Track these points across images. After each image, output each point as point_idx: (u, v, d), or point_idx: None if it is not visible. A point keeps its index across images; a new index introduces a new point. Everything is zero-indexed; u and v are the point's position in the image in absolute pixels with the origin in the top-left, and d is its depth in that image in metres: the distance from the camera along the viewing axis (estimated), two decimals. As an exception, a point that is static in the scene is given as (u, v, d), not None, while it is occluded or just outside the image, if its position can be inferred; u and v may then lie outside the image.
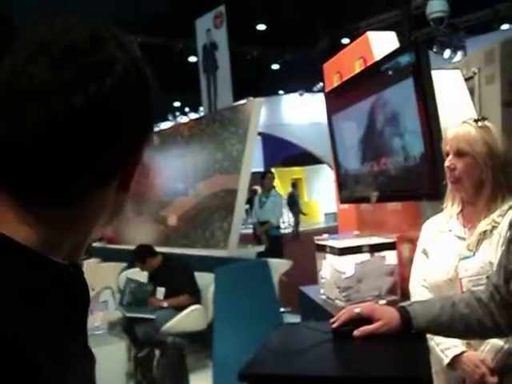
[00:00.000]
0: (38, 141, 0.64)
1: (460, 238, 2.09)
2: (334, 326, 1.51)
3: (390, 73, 2.78)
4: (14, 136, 0.64)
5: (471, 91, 2.94)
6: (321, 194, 14.20)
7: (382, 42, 3.27)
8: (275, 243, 7.89)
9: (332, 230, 5.20)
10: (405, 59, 2.63)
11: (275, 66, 16.42)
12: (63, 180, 0.67)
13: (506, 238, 1.44)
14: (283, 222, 8.93)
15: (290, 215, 11.62)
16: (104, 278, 5.99)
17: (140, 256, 5.22)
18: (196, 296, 5.11)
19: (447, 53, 10.28)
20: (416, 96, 2.56)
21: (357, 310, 1.52)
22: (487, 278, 1.74)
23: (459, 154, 2.02)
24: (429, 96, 2.49)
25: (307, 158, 14.18)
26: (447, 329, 1.56)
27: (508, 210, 1.95)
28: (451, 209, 2.16)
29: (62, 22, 0.69)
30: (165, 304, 5.06)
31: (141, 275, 5.47)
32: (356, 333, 1.47)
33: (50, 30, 0.67)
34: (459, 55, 10.21)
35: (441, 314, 1.53)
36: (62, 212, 0.68)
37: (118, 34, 0.71)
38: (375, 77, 2.98)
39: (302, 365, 1.37)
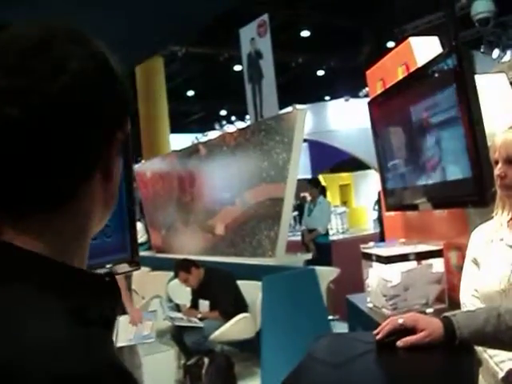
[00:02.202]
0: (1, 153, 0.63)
1: (511, 246, 2.05)
2: (378, 337, 1.51)
3: (433, 79, 2.75)
4: None
5: (518, 95, 2.89)
6: (369, 199, 14.04)
7: (424, 47, 3.23)
8: (323, 251, 7.87)
9: (379, 237, 5.16)
10: (447, 64, 2.60)
11: (320, 73, 16.40)
12: (40, 186, 0.65)
13: None
14: (331, 229, 8.86)
15: (339, 221, 11.51)
16: (153, 287, 6.09)
17: (185, 266, 5.26)
18: (240, 308, 5.11)
19: (496, 52, 10.05)
20: (459, 102, 2.53)
21: (400, 321, 1.51)
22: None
23: (509, 161, 1.98)
24: (472, 101, 2.45)
25: (355, 164, 14.06)
26: (492, 340, 1.54)
27: None
28: (501, 217, 2.11)
29: (13, 29, 0.68)
30: (198, 316, 5.10)
31: (182, 292, 5.52)
32: (399, 343, 1.46)
33: (1, 38, 0.67)
34: (508, 55, 9.98)
35: (485, 325, 1.51)
36: (55, 218, 0.68)
37: (73, 31, 0.70)
38: (418, 83, 2.96)
39: (345, 376, 1.38)
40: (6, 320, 0.59)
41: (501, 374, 1.93)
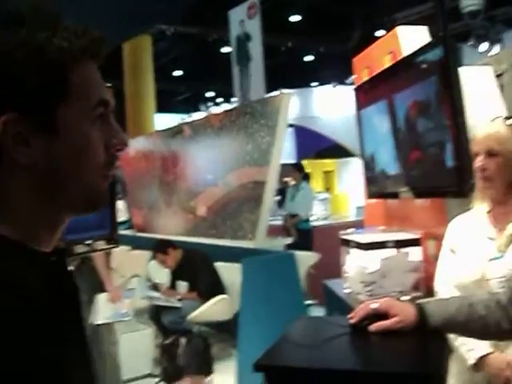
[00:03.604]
0: None
1: (490, 238, 2.07)
2: (352, 321, 1.53)
3: (418, 69, 2.76)
4: None
5: (502, 88, 2.90)
6: (351, 186, 14.11)
7: (411, 37, 3.24)
8: (305, 236, 7.90)
9: (360, 224, 5.19)
10: (432, 55, 2.61)
11: (309, 58, 16.35)
12: None
13: None
14: (312, 215, 8.89)
15: (321, 207, 11.55)
16: (133, 266, 6.09)
17: (162, 248, 5.27)
18: (218, 289, 5.13)
19: (483, 46, 10.09)
20: (443, 93, 2.54)
21: (374, 306, 1.53)
22: (508, 280, 1.74)
23: (490, 154, 2.00)
24: (456, 93, 2.47)
25: (339, 151, 14.09)
26: (463, 328, 1.57)
27: None
28: (480, 208, 2.15)
29: None
30: (177, 296, 5.12)
31: (161, 272, 5.53)
32: (372, 328, 1.49)
33: None
34: (496, 49, 10.02)
35: (457, 314, 1.54)
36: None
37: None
38: (403, 72, 2.97)
39: (317, 358, 1.39)
40: None
41: (471, 362, 1.98)
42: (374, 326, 1.48)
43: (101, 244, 2.05)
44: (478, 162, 2.04)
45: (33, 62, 0.72)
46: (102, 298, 4.24)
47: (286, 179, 11.17)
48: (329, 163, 16.74)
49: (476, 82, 2.83)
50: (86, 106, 0.77)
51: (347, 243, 3.28)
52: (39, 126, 0.73)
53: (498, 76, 2.95)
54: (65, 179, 0.76)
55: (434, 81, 2.60)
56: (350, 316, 1.55)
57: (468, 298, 1.61)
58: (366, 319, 1.51)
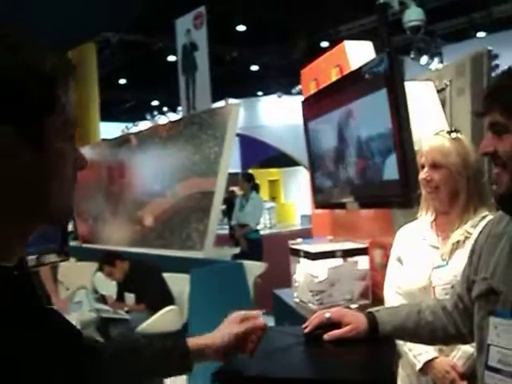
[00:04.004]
0: None
1: (434, 247, 2.15)
2: (306, 330, 1.57)
3: (365, 82, 2.84)
4: None
5: (443, 102, 3.02)
6: (297, 196, 14.26)
7: (358, 51, 3.34)
8: (255, 246, 7.94)
9: (307, 233, 5.26)
10: (378, 69, 2.70)
11: (254, 68, 16.46)
12: None
13: (470, 250, 1.50)
14: (258, 224, 8.94)
15: (267, 216, 11.62)
16: (79, 278, 5.98)
17: (109, 260, 5.19)
18: (166, 300, 5.10)
19: (424, 59, 10.42)
20: (389, 106, 2.63)
21: (327, 315, 1.57)
22: (452, 287, 1.81)
23: (435, 166, 2.09)
24: (401, 106, 2.55)
25: (284, 160, 14.23)
26: (412, 335, 1.63)
27: (480, 221, 2.02)
28: (425, 218, 2.23)
29: None
30: (125, 308, 5.07)
31: (108, 284, 5.46)
32: (326, 337, 1.52)
33: None
34: (436, 62, 10.36)
35: (406, 321, 1.60)
36: None
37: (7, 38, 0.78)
38: (350, 86, 3.05)
39: (273, 367, 1.42)
40: None
41: (418, 366, 2.05)
42: (328, 335, 1.52)
43: (51, 257, 2.02)
44: (424, 173, 2.13)
45: (30, 77, 0.75)
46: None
47: (233, 189, 11.20)
48: (274, 172, 16.87)
49: (419, 96, 2.94)
50: (66, 122, 0.80)
51: (296, 253, 3.33)
52: (28, 138, 0.75)
53: (439, 91, 3.07)
54: (46, 191, 0.78)
55: (381, 94, 2.68)
56: (304, 325, 1.58)
57: (416, 305, 1.67)
58: (320, 328, 1.55)
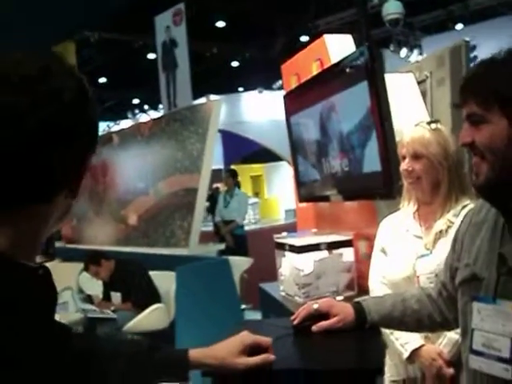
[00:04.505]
0: None
1: (417, 236, 2.17)
2: (295, 322, 1.58)
3: (345, 75, 2.86)
4: None
5: (423, 93, 3.05)
6: (281, 190, 14.28)
7: (338, 44, 3.36)
8: (241, 242, 7.95)
9: (292, 227, 5.28)
10: (359, 62, 2.72)
11: (235, 63, 16.43)
12: (14, 193, 0.76)
13: (452, 238, 1.53)
14: (244, 220, 8.95)
15: (251, 212, 11.61)
16: (64, 279, 5.94)
17: (94, 259, 5.17)
18: (152, 299, 5.09)
19: (404, 52, 10.49)
20: (370, 98, 2.65)
21: (315, 306, 1.59)
22: (436, 275, 1.84)
23: (416, 156, 2.11)
24: (382, 98, 2.58)
25: (267, 156, 14.23)
26: (399, 323, 1.65)
27: (461, 209, 2.04)
28: (408, 208, 2.25)
29: (11, 55, 0.78)
30: (111, 308, 5.06)
31: (94, 284, 5.44)
32: (314, 328, 1.54)
33: (2, 62, 0.77)
34: (415, 54, 10.43)
35: (393, 310, 1.62)
36: (18, 218, 0.77)
37: (65, 62, 0.83)
38: (331, 79, 3.07)
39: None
40: None
41: (405, 355, 2.08)
42: (317, 326, 1.54)
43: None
44: (405, 164, 2.15)
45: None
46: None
47: (216, 185, 11.17)
48: (256, 168, 16.86)
49: (400, 88, 2.97)
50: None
51: (282, 247, 3.35)
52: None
53: (420, 83, 3.10)
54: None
55: (362, 86, 2.70)
56: (293, 317, 1.60)
57: (401, 294, 1.69)
58: (308, 319, 1.57)
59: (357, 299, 1.67)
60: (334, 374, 1.35)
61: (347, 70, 2.84)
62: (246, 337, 1.31)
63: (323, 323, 1.54)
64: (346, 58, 2.85)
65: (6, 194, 0.76)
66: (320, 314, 1.57)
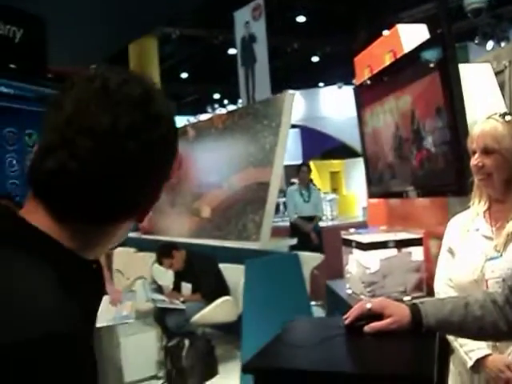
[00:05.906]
0: (86, 170, 0.74)
1: (487, 237, 2.03)
2: (347, 322, 1.51)
3: (417, 67, 2.74)
4: (66, 163, 0.74)
5: (501, 85, 2.87)
6: (359, 187, 14.06)
7: (412, 35, 3.21)
8: (318, 238, 7.92)
9: (366, 225, 5.15)
10: (432, 53, 2.59)
11: (315, 58, 16.31)
12: (97, 209, 0.78)
13: None
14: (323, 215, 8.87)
15: (329, 208, 11.47)
16: (138, 268, 6.09)
17: (167, 251, 5.24)
18: (221, 291, 5.12)
19: (490, 44, 10.04)
20: (443, 91, 2.51)
21: (368, 306, 1.50)
22: (503, 280, 1.70)
23: (486, 151, 1.96)
24: (455, 91, 2.44)
25: (346, 151, 14.08)
26: (458, 329, 1.54)
27: None
28: (478, 206, 2.10)
29: (116, 74, 0.80)
30: (181, 298, 5.11)
31: (166, 274, 5.52)
32: (366, 329, 1.46)
33: (107, 79, 0.78)
34: (503, 46, 9.96)
35: (452, 314, 1.50)
36: (90, 228, 0.80)
37: (160, 91, 0.83)
38: (402, 70, 2.94)
39: (307, 359, 1.37)
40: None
41: (469, 363, 1.94)
42: (369, 327, 1.45)
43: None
44: (475, 159, 2.00)
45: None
46: (103, 301, 4.20)
47: (294, 180, 11.10)
48: (335, 164, 16.66)
49: (476, 79, 2.81)
50: None
51: (349, 243, 3.26)
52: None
53: (497, 73, 2.92)
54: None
55: (434, 78, 2.57)
56: (345, 316, 1.52)
57: (464, 298, 1.58)
58: (361, 319, 1.49)
59: (415, 301, 1.57)
60: (380, 380, 1.27)
61: (419, 60, 2.71)
62: None
63: (376, 324, 1.46)
64: (418, 48, 2.73)
65: (90, 212, 0.78)
66: (374, 314, 1.49)
